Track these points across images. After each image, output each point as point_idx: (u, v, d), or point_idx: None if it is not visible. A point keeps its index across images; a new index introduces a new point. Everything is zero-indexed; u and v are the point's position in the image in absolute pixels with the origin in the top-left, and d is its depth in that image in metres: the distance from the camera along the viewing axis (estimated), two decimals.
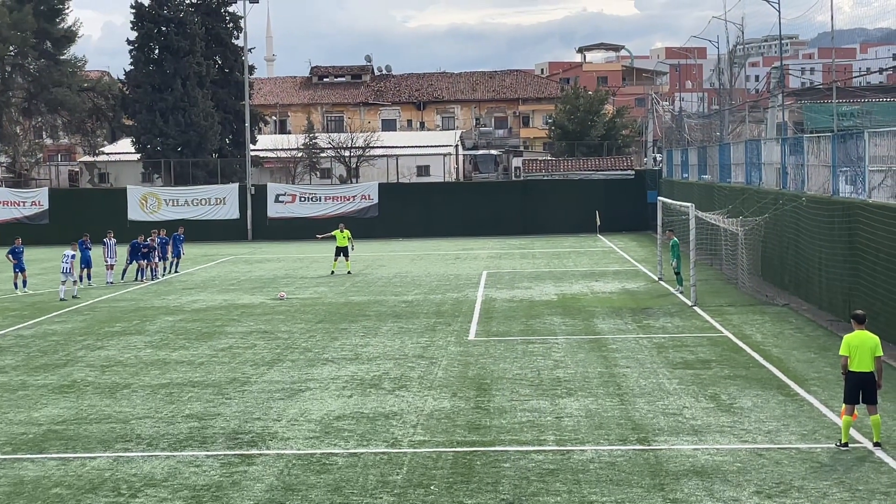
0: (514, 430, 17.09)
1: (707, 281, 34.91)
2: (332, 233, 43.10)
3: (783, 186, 33.59)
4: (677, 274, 33.40)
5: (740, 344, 24.32)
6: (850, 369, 15.60)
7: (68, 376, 22.42)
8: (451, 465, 15.22)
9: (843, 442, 15.50)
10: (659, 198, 42.16)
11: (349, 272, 41.60)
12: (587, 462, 15.19)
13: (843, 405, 15.78)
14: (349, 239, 42.15)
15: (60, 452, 16.44)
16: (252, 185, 63.87)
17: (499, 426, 17.33)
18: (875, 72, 75.57)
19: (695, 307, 30.11)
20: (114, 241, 40.79)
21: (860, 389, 15.53)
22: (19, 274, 37.89)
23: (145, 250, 40.99)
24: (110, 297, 35.90)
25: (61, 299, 35.08)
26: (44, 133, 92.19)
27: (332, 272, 41.56)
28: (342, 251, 41.94)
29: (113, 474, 15.21)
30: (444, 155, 77.94)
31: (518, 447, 16.06)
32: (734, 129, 55.92)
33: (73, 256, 36.19)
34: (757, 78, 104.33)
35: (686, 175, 54.99)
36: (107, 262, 40.36)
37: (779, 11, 40.89)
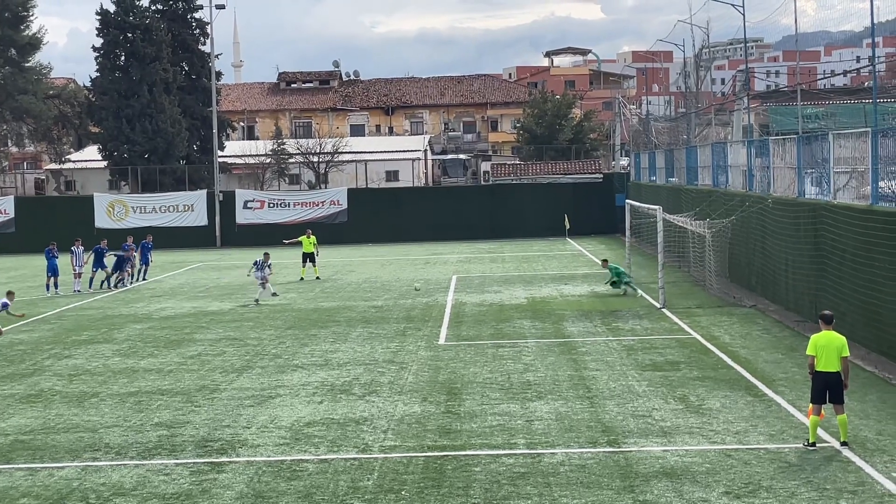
0: (484, 434, 17.11)
1: (675, 283, 35.09)
2: (299, 238, 43.15)
3: (749, 188, 33.82)
4: (627, 283, 33.71)
5: (708, 345, 24.46)
6: (817, 369, 15.68)
7: (35, 385, 22.24)
8: (422, 470, 15.22)
9: (810, 442, 15.61)
10: (627, 201, 42.35)
11: (317, 277, 41.60)
12: (557, 465, 15.24)
13: (810, 405, 15.89)
14: (315, 245, 42.27)
15: (28, 462, 16.31)
16: (220, 192, 63.61)
17: (469, 430, 17.35)
18: (839, 74, 76.19)
19: (663, 309, 30.25)
20: (81, 248, 40.52)
21: (827, 389, 15.65)
22: None
23: (126, 255, 41.24)
24: (78, 306, 35.64)
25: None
26: (9, 141, 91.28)
27: (302, 278, 41.53)
28: (309, 257, 42.05)
29: (81, 484, 15.11)
30: (413, 160, 77.94)
31: (489, 451, 16.09)
32: (701, 131, 56.24)
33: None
34: (723, 81, 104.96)
35: (654, 178, 55.26)
36: (74, 270, 40.01)
37: (743, 15, 41.17)
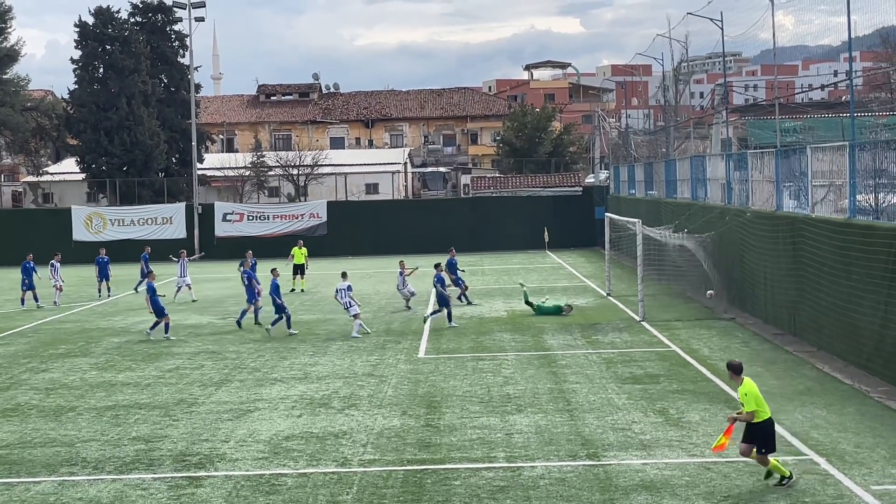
0: (464, 447, 17.07)
1: (654, 296, 35.14)
2: (292, 251, 43.07)
3: (728, 202, 33.95)
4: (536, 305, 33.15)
5: (688, 358, 24.51)
6: (768, 416, 14.71)
7: (12, 399, 22.06)
8: (402, 484, 15.17)
9: (787, 476, 14.68)
10: (606, 214, 42.44)
11: (301, 290, 41.55)
12: (537, 478, 15.21)
13: (768, 455, 14.70)
14: (306, 256, 42.42)
15: (4, 477, 16.17)
16: (199, 205, 63.39)
17: (449, 444, 17.31)
18: (817, 88, 76.68)
19: (643, 322, 30.30)
20: (58, 263, 40.16)
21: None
22: None
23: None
24: (55, 319, 35.41)
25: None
26: None
27: (293, 290, 41.43)
28: (300, 269, 42.07)
29: (58, 499, 14.98)
30: (393, 173, 77.94)
31: (468, 464, 16.05)
32: (679, 145, 56.41)
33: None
34: (701, 94, 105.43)
35: (633, 191, 55.42)
36: (54, 283, 39.62)
37: (722, 29, 41.35)
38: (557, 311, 32.67)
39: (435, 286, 31.72)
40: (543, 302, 33.43)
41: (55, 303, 39.13)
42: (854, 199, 22.87)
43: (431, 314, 31.88)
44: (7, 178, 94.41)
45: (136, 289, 43.61)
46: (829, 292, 23.51)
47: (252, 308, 32.11)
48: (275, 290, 30.11)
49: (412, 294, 35.61)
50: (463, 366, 24.43)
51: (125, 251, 60.10)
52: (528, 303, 33.49)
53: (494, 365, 24.43)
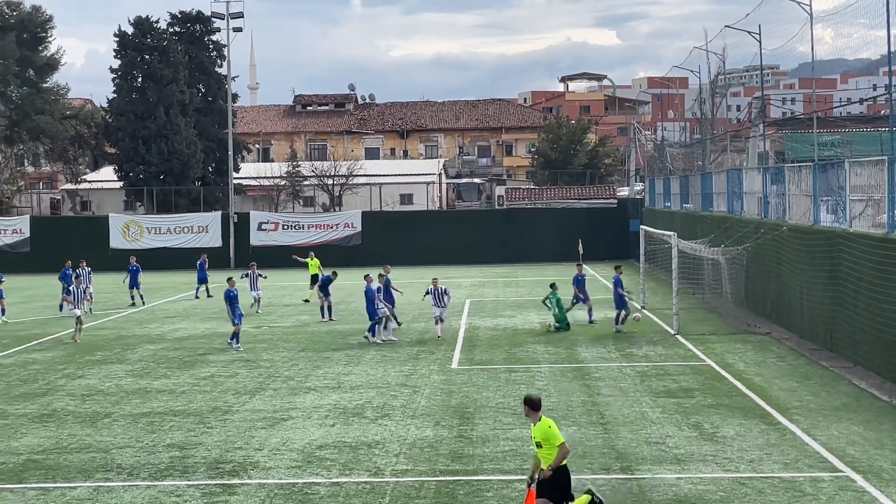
0: (497, 458, 17.04)
1: (689, 310, 34.96)
2: (305, 259, 43.29)
3: (765, 215, 33.74)
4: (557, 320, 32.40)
5: (723, 373, 24.35)
6: (564, 464, 12.92)
7: (49, 405, 22.26)
8: (434, 495, 15.15)
9: None
10: (641, 226, 42.28)
11: (306, 300, 41.63)
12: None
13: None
14: (319, 267, 42.58)
15: (40, 482, 16.30)
16: (235, 213, 63.78)
17: (482, 455, 17.28)
18: (856, 102, 76.07)
19: (677, 336, 30.15)
20: (88, 269, 40.30)
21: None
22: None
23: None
24: (91, 326, 35.68)
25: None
26: (26, 161, 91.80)
27: (307, 300, 41.65)
28: (315, 279, 42.29)
29: None
30: (428, 183, 78.02)
31: (501, 476, 16.01)
32: (716, 158, 56.14)
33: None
34: (738, 108, 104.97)
35: (668, 204, 55.18)
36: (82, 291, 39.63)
37: (760, 42, 41.14)
38: (563, 315, 32.19)
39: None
40: (565, 309, 32.84)
41: (90, 310, 38.99)
42: (893, 214, 22.65)
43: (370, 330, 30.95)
44: (46, 186, 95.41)
45: (196, 295, 44.07)
46: (866, 308, 23.30)
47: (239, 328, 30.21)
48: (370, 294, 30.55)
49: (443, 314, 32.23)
50: (496, 377, 24.40)
51: (160, 259, 60.68)
52: (560, 304, 32.80)
53: (528, 376, 24.38)
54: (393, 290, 33.23)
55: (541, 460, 12.87)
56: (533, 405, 12.99)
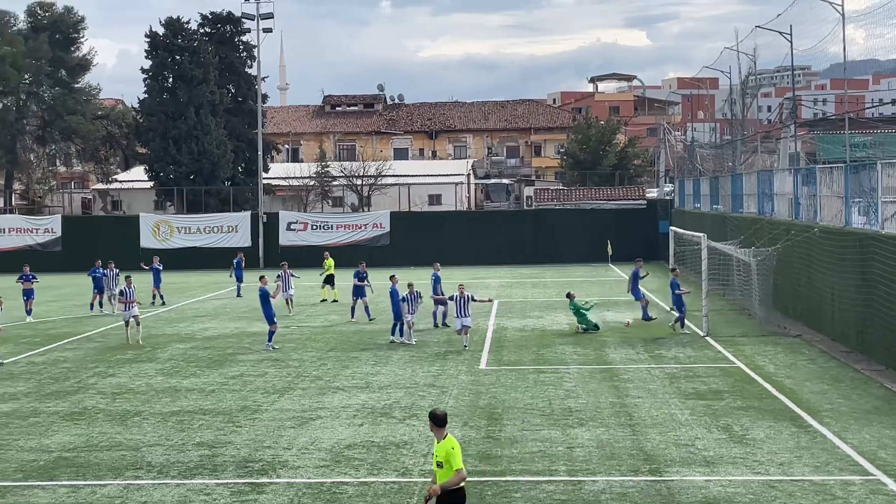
0: (524, 459, 17.02)
1: (719, 311, 34.79)
2: (325, 261, 43.26)
3: (796, 217, 33.53)
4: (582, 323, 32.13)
5: (753, 375, 24.21)
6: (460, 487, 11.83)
7: (79, 403, 22.42)
8: None
9: None
10: (671, 228, 42.11)
11: (335, 300, 41.66)
12: (599, 493, 15.11)
13: None
14: (333, 267, 42.73)
15: (71, 480, 16.42)
16: (264, 213, 64.03)
17: (510, 456, 17.26)
18: (887, 103, 75.56)
19: (707, 337, 30.01)
20: (116, 270, 40.20)
21: None
22: (28, 301, 38.07)
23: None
24: (121, 325, 35.84)
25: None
26: (57, 160, 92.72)
27: (324, 299, 41.73)
28: (330, 279, 42.38)
29: (123, 502, 15.18)
30: (456, 184, 78.03)
31: (529, 477, 15.99)
32: (746, 159, 55.86)
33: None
34: (769, 108, 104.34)
35: (698, 205, 54.93)
36: (111, 291, 39.70)
37: (791, 43, 40.94)
38: (588, 321, 32.08)
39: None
40: (587, 307, 32.65)
41: (114, 312, 38.79)
42: None
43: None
44: (77, 186, 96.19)
45: (238, 294, 44.24)
46: None
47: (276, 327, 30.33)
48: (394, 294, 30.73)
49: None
50: (524, 378, 24.36)
51: (190, 259, 61.06)
52: (581, 315, 32.48)
53: (556, 378, 24.34)
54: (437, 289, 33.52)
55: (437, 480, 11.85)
56: (438, 421, 11.90)
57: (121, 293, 33.41)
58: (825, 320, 29.43)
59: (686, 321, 32.06)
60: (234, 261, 46.75)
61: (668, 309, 36.81)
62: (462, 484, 11.71)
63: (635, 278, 35.25)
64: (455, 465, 11.61)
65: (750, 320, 32.98)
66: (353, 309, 36.12)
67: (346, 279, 42.74)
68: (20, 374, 26.26)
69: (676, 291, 31.67)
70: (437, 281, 34.68)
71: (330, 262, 43.12)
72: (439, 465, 11.74)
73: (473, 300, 29.58)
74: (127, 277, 33.84)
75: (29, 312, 37.90)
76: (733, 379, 23.79)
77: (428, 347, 29.36)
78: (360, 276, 36.24)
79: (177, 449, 18.17)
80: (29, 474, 16.77)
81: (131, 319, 31.36)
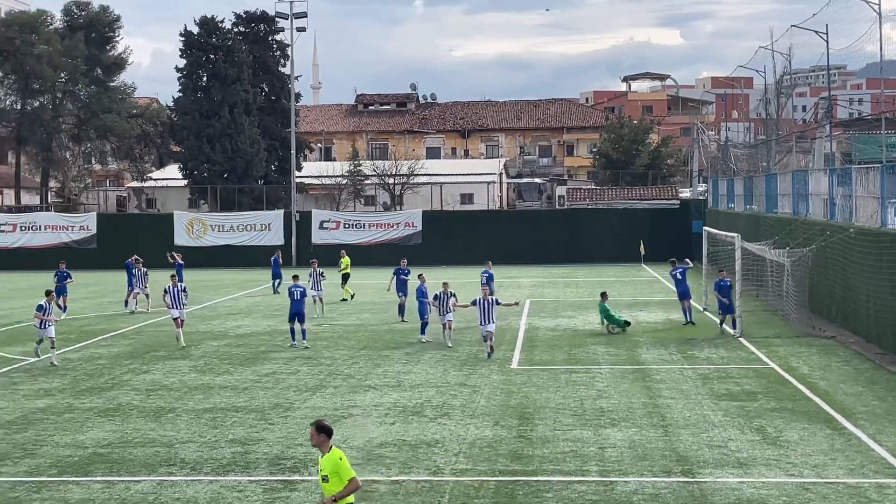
0: (556, 459, 16.99)
1: (753, 312, 34.58)
2: (341, 261, 43.24)
3: (831, 217, 33.28)
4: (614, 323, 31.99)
5: (786, 376, 24.05)
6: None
7: (114, 400, 22.59)
8: (493, 494, 15.14)
9: None
10: (704, 228, 41.89)
11: (344, 299, 41.64)
12: (631, 493, 15.06)
13: None
14: (348, 266, 42.81)
15: (105, 475, 16.55)
16: (297, 212, 64.27)
17: (541, 456, 17.24)
18: None
19: (740, 338, 29.84)
20: (144, 270, 40.28)
21: None
22: (61, 298, 38.36)
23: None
24: (155, 322, 36.16)
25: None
26: (93, 159, 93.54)
27: (344, 299, 41.69)
28: (345, 278, 42.42)
29: (157, 498, 15.29)
30: (489, 183, 77.97)
31: (561, 477, 15.96)
32: (781, 159, 55.50)
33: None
34: (804, 108, 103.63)
35: (732, 205, 54.63)
36: (139, 290, 39.85)
37: (827, 42, 40.64)
38: (618, 321, 32.00)
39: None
40: (618, 315, 32.56)
41: (148, 310, 38.91)
42: None
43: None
44: (112, 184, 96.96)
45: (275, 290, 44.66)
46: None
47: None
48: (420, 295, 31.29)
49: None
50: (556, 378, 24.32)
51: (224, 256, 61.42)
52: (610, 318, 32.31)
53: (588, 378, 24.28)
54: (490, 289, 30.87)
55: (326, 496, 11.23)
56: (326, 431, 11.33)
57: (132, 286, 37.19)
58: (860, 322, 29.19)
59: (710, 318, 31.84)
60: (272, 258, 47.18)
61: (703, 309, 36.60)
62: (352, 498, 11.18)
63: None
64: (347, 475, 11.12)
65: (784, 321, 32.77)
66: (401, 307, 35.82)
67: (382, 277, 42.90)
68: (55, 371, 26.49)
69: (722, 298, 31.31)
70: (489, 279, 34.76)
71: (346, 260, 43.16)
72: (325, 479, 11.16)
73: (498, 304, 28.18)
74: (172, 276, 33.66)
75: (63, 309, 38.19)
76: (767, 380, 23.64)
77: (460, 346, 29.36)
78: (405, 273, 36.40)
79: (210, 446, 18.27)
80: (64, 469, 16.93)
81: (178, 319, 31.06)
